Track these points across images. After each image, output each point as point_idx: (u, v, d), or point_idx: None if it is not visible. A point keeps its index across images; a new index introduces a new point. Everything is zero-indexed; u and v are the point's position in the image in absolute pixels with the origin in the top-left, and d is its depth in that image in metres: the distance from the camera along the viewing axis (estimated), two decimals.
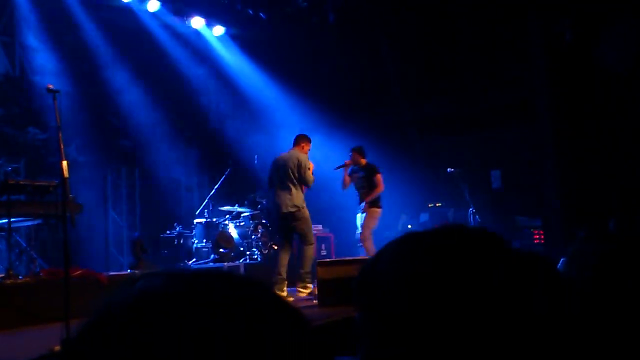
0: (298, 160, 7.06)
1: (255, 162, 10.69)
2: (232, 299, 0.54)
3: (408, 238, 0.82)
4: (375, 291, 0.80)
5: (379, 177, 8.44)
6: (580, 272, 1.33)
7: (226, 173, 10.45)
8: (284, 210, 7.01)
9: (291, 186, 7.01)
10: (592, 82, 9.01)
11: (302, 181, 7.05)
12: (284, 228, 7.21)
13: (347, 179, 8.46)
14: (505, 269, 0.76)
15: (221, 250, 9.52)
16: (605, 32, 8.73)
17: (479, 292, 0.74)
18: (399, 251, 0.81)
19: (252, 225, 9.99)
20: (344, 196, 12.89)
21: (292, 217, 7.04)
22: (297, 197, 7.01)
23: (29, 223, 7.56)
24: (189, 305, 0.52)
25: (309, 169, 7.10)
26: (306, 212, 7.10)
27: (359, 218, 8.65)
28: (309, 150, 7.39)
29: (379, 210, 8.43)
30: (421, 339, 0.74)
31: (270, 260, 10.11)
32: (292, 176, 7.02)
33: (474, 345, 0.73)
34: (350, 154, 8.60)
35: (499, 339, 0.73)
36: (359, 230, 8.62)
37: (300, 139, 7.41)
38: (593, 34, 8.88)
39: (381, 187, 8.43)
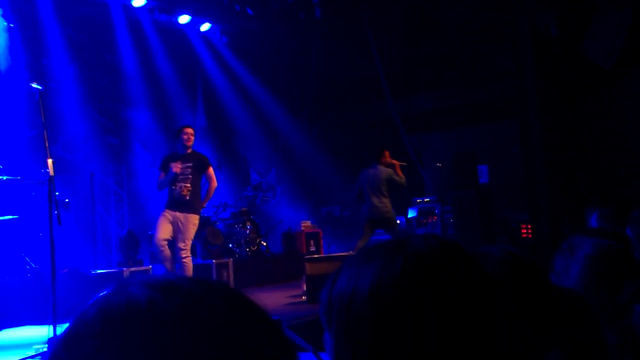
0: (385, 175, 8.31)
1: (246, 160, 10.68)
2: (207, 308, 0.55)
3: (362, 255, 0.81)
4: (333, 312, 0.79)
5: (212, 170, 6.94)
6: (566, 270, 1.34)
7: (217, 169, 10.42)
8: (381, 217, 8.27)
9: (382, 197, 8.28)
10: (579, 76, 9.07)
11: (397, 189, 8.40)
12: (373, 229, 8.39)
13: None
14: (460, 282, 0.74)
15: (209, 247, 9.49)
16: (590, 27, 8.78)
17: (428, 307, 0.72)
18: (349, 274, 0.79)
19: (240, 222, 9.97)
20: (331, 191, 12.91)
21: (387, 222, 8.32)
22: (388, 204, 8.29)
23: (15, 221, 7.50)
24: (165, 317, 0.53)
25: (394, 175, 8.31)
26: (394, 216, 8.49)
27: (168, 221, 6.55)
28: (390, 155, 8.50)
29: (198, 217, 6.81)
30: None
31: (259, 256, 10.11)
32: (383, 188, 8.27)
33: None
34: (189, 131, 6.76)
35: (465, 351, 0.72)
36: (164, 237, 6.48)
37: (379, 154, 8.49)
38: (578, 28, 8.94)
39: (215, 184, 6.97)
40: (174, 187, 6.58)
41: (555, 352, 1.09)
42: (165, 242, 6.49)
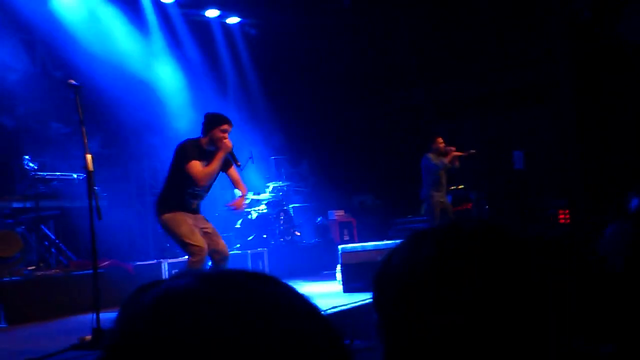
0: (423, 156, 8.88)
1: (279, 150, 10.71)
2: (253, 299, 0.57)
3: (414, 239, 0.82)
4: (384, 295, 0.80)
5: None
6: (613, 253, 1.32)
7: (247, 161, 10.50)
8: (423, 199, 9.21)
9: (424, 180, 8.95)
10: (615, 59, 8.86)
11: (430, 172, 8.79)
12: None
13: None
14: (508, 268, 0.75)
15: (244, 237, 9.59)
16: (626, 8, 8.56)
17: (481, 292, 0.73)
18: (405, 253, 0.80)
19: (274, 212, 10.03)
20: (364, 180, 12.89)
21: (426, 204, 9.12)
22: (425, 185, 8.90)
23: (57, 215, 7.70)
24: (211, 306, 0.55)
25: (430, 160, 8.69)
26: (433, 199, 8.82)
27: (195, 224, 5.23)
28: (442, 141, 8.80)
29: None
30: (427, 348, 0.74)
31: (293, 246, 10.17)
32: (424, 173, 8.88)
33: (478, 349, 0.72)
34: (229, 129, 5.42)
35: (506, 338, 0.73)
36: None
37: (429, 141, 8.96)
38: (614, 9, 8.72)
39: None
40: (198, 198, 5.35)
41: (608, 344, 1.09)
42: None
